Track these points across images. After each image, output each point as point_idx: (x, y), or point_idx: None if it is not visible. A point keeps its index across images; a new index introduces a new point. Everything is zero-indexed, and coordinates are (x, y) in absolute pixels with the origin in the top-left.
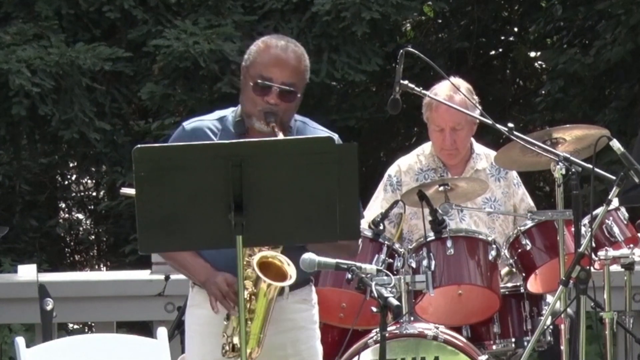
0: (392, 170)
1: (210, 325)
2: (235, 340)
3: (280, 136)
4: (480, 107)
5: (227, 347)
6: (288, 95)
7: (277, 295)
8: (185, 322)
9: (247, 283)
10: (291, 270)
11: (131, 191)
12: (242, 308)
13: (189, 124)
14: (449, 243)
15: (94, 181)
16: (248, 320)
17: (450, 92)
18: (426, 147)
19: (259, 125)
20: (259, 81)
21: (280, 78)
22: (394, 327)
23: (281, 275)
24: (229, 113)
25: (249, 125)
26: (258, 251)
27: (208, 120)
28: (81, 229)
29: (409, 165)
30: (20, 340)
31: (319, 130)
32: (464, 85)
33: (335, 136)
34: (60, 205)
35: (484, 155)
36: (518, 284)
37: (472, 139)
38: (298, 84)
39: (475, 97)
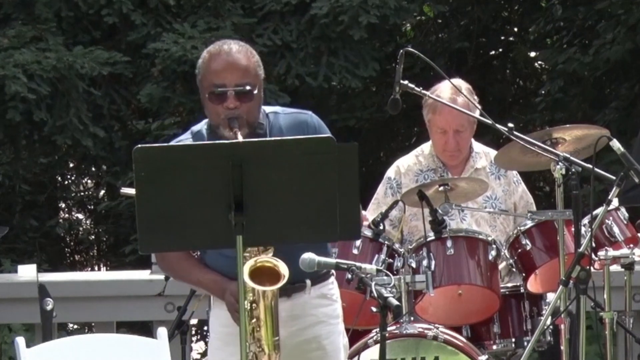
0: (391, 172)
1: (233, 327)
2: (253, 347)
3: (240, 139)
4: (480, 107)
5: (250, 356)
6: (245, 95)
7: (299, 291)
8: (209, 324)
9: (248, 291)
10: (284, 270)
11: (131, 191)
12: (242, 307)
13: None
14: (449, 243)
15: (93, 181)
16: (255, 328)
17: (453, 94)
18: (425, 148)
19: (227, 134)
20: (213, 90)
21: (232, 81)
22: (394, 327)
23: (275, 275)
24: (202, 126)
25: (221, 135)
26: (249, 256)
27: (184, 139)
28: (81, 229)
29: (408, 167)
30: (20, 340)
31: (291, 115)
32: (464, 85)
33: (309, 113)
34: (60, 205)
35: (483, 154)
36: (518, 284)
37: (472, 138)
38: (252, 82)
39: (476, 98)
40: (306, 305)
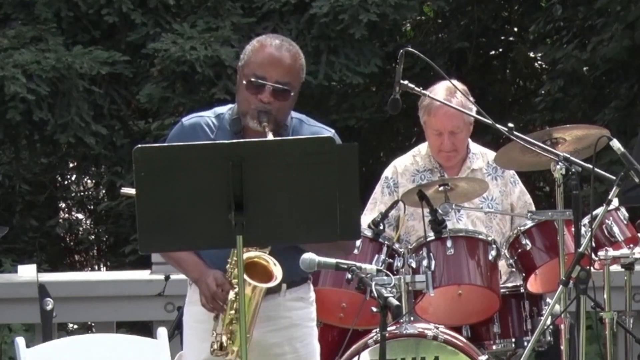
0: (388, 171)
1: (208, 322)
2: (224, 339)
3: (270, 137)
4: (477, 107)
5: (215, 346)
6: (281, 93)
7: (274, 292)
8: (184, 319)
9: (234, 282)
10: (277, 271)
11: (131, 191)
12: (243, 307)
13: (188, 120)
14: (449, 243)
15: (93, 181)
16: (233, 320)
17: (447, 95)
18: (422, 148)
19: (253, 124)
20: (252, 79)
21: (274, 77)
22: (394, 327)
23: (267, 275)
24: (226, 110)
25: (245, 123)
26: (245, 251)
27: (206, 117)
28: (81, 229)
29: (405, 167)
30: (20, 340)
31: (315, 128)
32: (459, 86)
33: (332, 131)
34: (60, 205)
35: (480, 155)
36: (518, 284)
37: (469, 139)
38: (292, 83)
39: (471, 98)
40: (280, 307)
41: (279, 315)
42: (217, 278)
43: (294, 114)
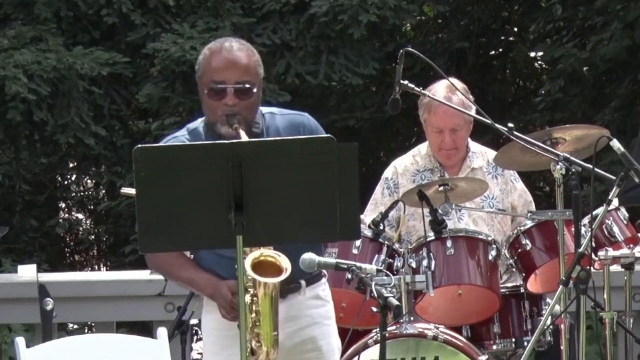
0: (388, 172)
1: (227, 329)
2: (253, 343)
3: (244, 136)
4: (477, 106)
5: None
6: (244, 93)
7: (294, 292)
8: (202, 328)
9: (249, 285)
10: (284, 262)
11: (131, 191)
12: (243, 307)
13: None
14: (449, 243)
15: (93, 181)
16: (257, 322)
17: (448, 93)
18: (422, 148)
19: (225, 130)
20: (213, 86)
21: (232, 78)
22: (394, 327)
23: (277, 269)
24: (199, 124)
25: (218, 131)
26: (250, 251)
27: (180, 136)
28: (81, 229)
29: (405, 167)
30: (20, 340)
31: (289, 116)
32: (459, 85)
33: (305, 115)
34: (60, 205)
35: (480, 154)
36: (518, 284)
37: (468, 138)
38: (252, 80)
39: (471, 97)
40: (301, 306)
41: (301, 315)
42: (231, 287)
43: (263, 109)
